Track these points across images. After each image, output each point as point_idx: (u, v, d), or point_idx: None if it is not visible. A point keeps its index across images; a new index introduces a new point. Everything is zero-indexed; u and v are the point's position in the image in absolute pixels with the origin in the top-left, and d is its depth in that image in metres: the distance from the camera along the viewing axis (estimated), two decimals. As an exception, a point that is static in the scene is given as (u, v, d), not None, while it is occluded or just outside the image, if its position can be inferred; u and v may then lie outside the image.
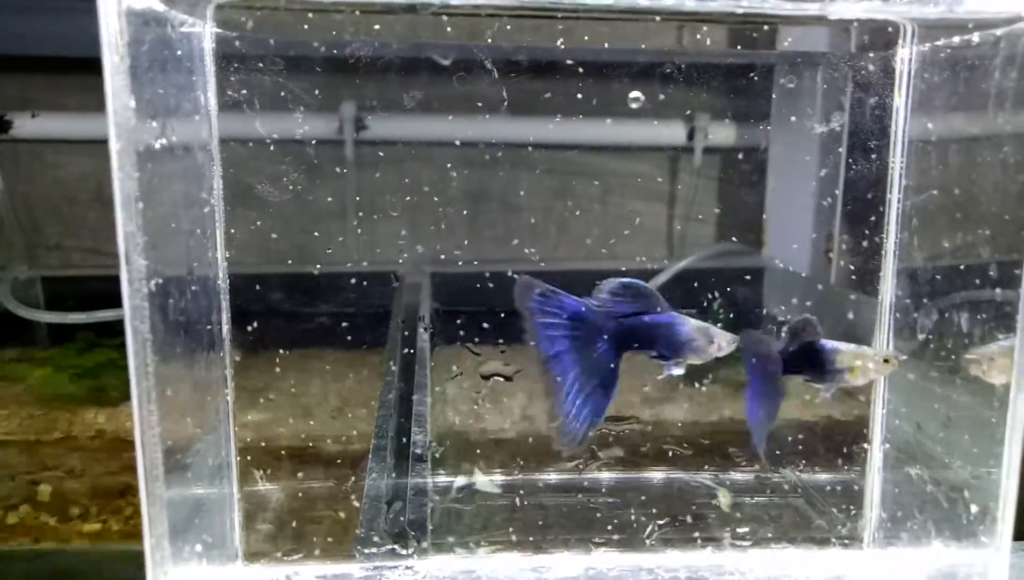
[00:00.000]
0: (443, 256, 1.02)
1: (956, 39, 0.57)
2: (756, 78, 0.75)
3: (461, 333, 1.09)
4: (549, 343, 0.64)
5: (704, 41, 0.71)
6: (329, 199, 0.96)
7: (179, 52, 0.53)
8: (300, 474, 0.87)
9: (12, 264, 1.62)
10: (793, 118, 0.73)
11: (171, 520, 0.52)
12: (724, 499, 0.78)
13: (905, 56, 0.63)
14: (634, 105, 0.67)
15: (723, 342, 0.63)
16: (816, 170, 0.86)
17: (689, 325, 0.64)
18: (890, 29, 0.60)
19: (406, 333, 1.09)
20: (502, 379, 0.87)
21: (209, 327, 0.59)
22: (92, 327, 1.51)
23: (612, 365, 0.64)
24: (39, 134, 1.61)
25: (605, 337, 0.64)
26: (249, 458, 0.77)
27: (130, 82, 0.45)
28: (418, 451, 0.89)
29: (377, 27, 0.65)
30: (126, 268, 0.46)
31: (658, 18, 0.53)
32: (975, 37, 0.55)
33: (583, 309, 0.64)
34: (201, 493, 0.61)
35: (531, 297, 0.64)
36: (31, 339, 1.58)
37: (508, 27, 0.69)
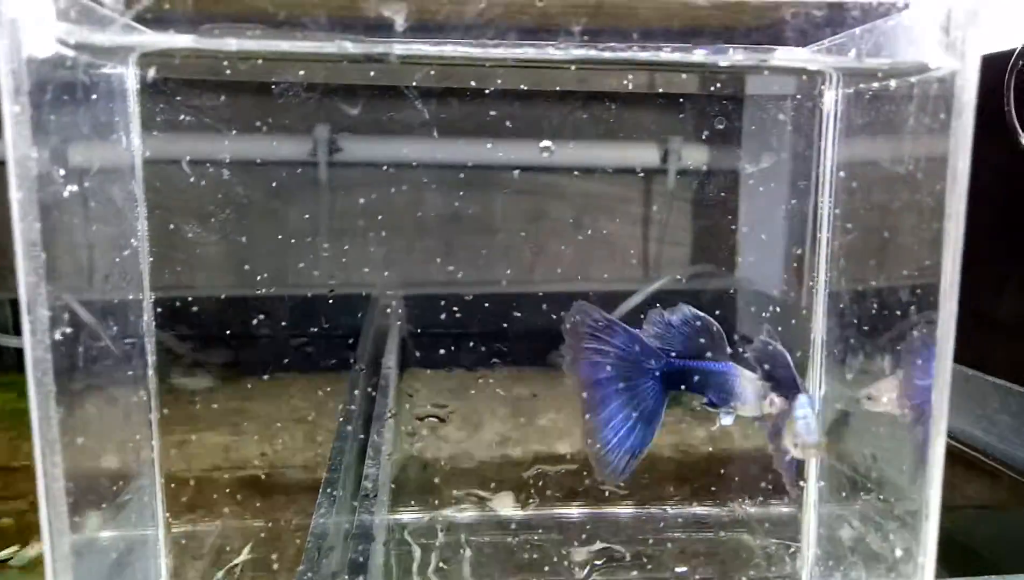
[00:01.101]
0: (400, 279, 1.01)
1: (875, 85, 0.58)
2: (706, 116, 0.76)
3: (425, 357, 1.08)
4: (595, 370, 0.64)
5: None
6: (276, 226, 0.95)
7: (94, 96, 0.53)
8: (232, 509, 0.85)
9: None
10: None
11: (88, 570, 0.51)
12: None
13: (831, 98, 0.64)
14: (545, 154, 0.68)
15: (776, 400, 0.63)
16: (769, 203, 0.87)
17: (743, 377, 0.64)
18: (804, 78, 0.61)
19: (360, 367, 1.08)
20: (437, 420, 0.86)
21: (130, 376, 0.58)
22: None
23: (660, 401, 0.65)
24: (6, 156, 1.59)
25: (657, 374, 0.64)
26: (186, 490, 0.76)
27: (32, 131, 0.44)
28: (368, 486, 0.87)
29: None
30: (28, 318, 0.45)
31: (572, 67, 0.53)
32: (892, 83, 0.56)
33: (639, 342, 0.64)
34: (125, 539, 0.59)
35: (586, 322, 0.64)
36: (-3, 363, 1.55)
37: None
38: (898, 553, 0.57)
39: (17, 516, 0.96)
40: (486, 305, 1.00)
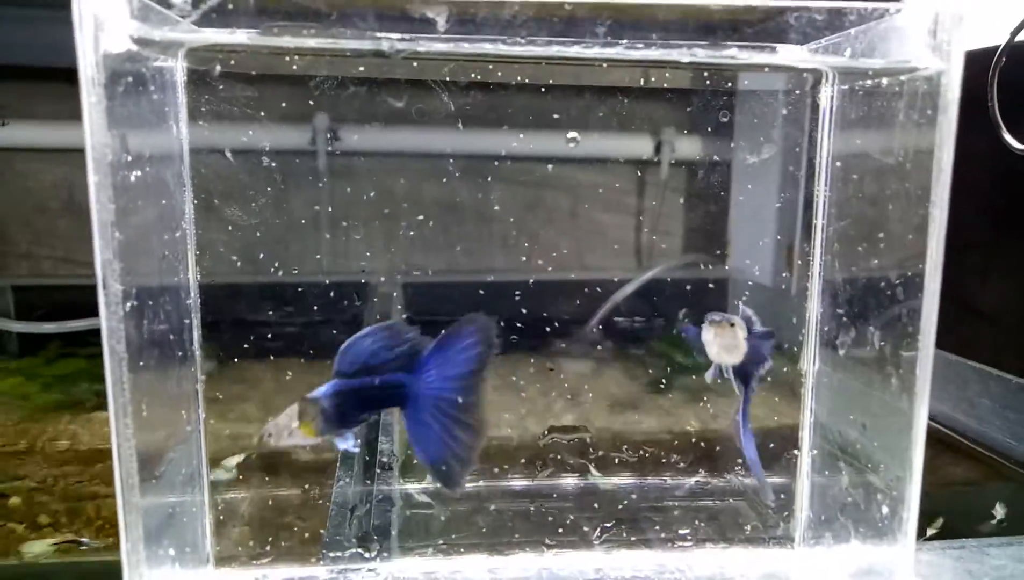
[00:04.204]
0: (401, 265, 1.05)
1: (868, 82, 0.63)
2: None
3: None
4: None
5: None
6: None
7: (152, 88, 0.57)
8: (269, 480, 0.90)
9: (-19, 273, 1.63)
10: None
11: (145, 526, 0.56)
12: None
13: (828, 94, 0.69)
14: (571, 145, 0.72)
15: None
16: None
17: None
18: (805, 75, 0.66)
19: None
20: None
21: (181, 348, 0.63)
22: (62, 336, 1.51)
23: None
24: (9, 142, 1.62)
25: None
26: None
27: (107, 120, 0.49)
28: (384, 459, 0.92)
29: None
30: (103, 293, 0.50)
31: (605, 65, 0.57)
32: (884, 81, 0.61)
33: None
34: (174, 500, 0.64)
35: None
36: (0, 349, 1.58)
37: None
38: (884, 510, 0.62)
39: (25, 492, 1.00)
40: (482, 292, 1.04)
